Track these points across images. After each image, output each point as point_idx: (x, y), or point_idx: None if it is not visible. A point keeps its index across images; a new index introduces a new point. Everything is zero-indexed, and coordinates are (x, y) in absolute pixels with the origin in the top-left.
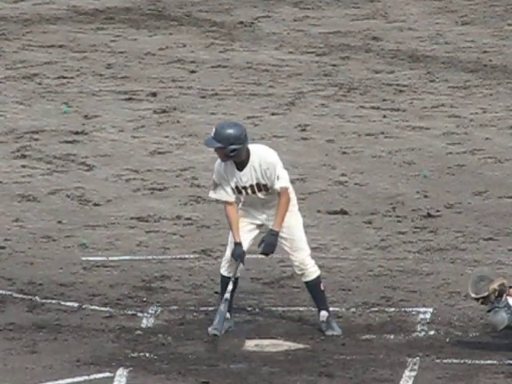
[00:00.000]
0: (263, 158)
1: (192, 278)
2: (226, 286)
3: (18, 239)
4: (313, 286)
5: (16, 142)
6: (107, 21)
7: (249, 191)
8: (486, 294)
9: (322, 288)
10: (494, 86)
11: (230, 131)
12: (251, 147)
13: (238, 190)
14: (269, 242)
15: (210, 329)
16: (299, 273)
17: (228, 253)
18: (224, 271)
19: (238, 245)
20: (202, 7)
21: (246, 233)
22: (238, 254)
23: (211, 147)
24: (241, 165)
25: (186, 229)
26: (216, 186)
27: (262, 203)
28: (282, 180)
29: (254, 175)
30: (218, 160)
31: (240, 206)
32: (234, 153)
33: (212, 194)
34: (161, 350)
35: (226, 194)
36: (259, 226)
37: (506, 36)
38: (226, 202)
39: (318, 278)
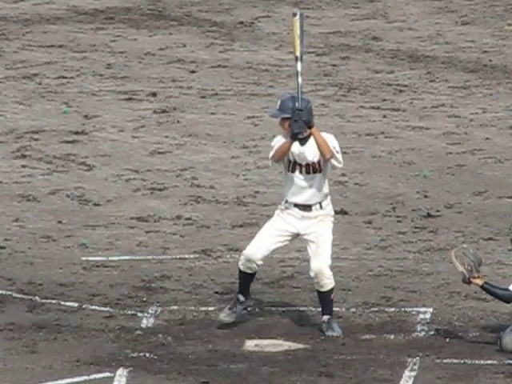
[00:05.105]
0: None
1: (192, 277)
2: (245, 282)
3: (18, 239)
4: (324, 296)
5: (16, 142)
6: (107, 21)
7: (303, 170)
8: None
9: (332, 297)
10: (494, 86)
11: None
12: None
13: (292, 166)
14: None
15: (222, 316)
16: (314, 280)
17: (248, 251)
18: (240, 266)
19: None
20: (201, 7)
21: (274, 238)
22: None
23: (277, 117)
24: (303, 140)
25: (186, 229)
26: (272, 148)
27: (305, 200)
28: (339, 155)
29: (314, 150)
30: (278, 136)
31: (279, 212)
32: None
33: (270, 154)
34: (161, 350)
35: None
36: (293, 237)
37: (506, 36)
38: None
39: (331, 289)
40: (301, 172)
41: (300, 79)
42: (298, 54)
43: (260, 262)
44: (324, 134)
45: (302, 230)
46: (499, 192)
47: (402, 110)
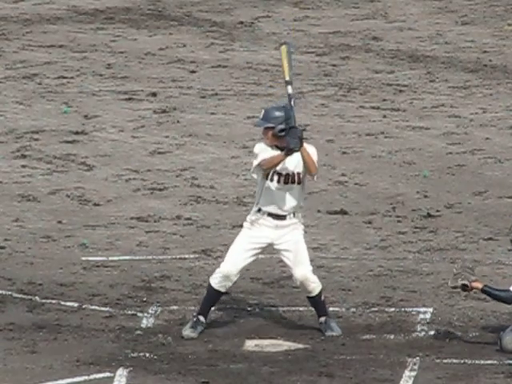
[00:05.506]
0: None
1: (192, 278)
2: (212, 301)
3: (18, 239)
4: (314, 300)
5: (16, 142)
6: (107, 21)
7: (281, 179)
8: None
9: (323, 298)
10: (493, 86)
11: (279, 112)
12: None
13: (272, 174)
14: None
15: (187, 332)
16: (301, 288)
17: (226, 268)
18: (215, 284)
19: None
20: (202, 7)
21: (249, 252)
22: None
23: (261, 127)
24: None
25: (186, 229)
26: (258, 155)
27: (281, 210)
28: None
29: (297, 161)
30: (260, 143)
31: (248, 225)
32: (283, 133)
33: (255, 162)
34: (161, 350)
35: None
36: (265, 248)
37: (506, 36)
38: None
39: (320, 292)
40: (279, 181)
41: (293, 101)
42: (287, 78)
43: (235, 279)
44: (305, 146)
45: (276, 239)
46: (499, 192)
47: (402, 110)
